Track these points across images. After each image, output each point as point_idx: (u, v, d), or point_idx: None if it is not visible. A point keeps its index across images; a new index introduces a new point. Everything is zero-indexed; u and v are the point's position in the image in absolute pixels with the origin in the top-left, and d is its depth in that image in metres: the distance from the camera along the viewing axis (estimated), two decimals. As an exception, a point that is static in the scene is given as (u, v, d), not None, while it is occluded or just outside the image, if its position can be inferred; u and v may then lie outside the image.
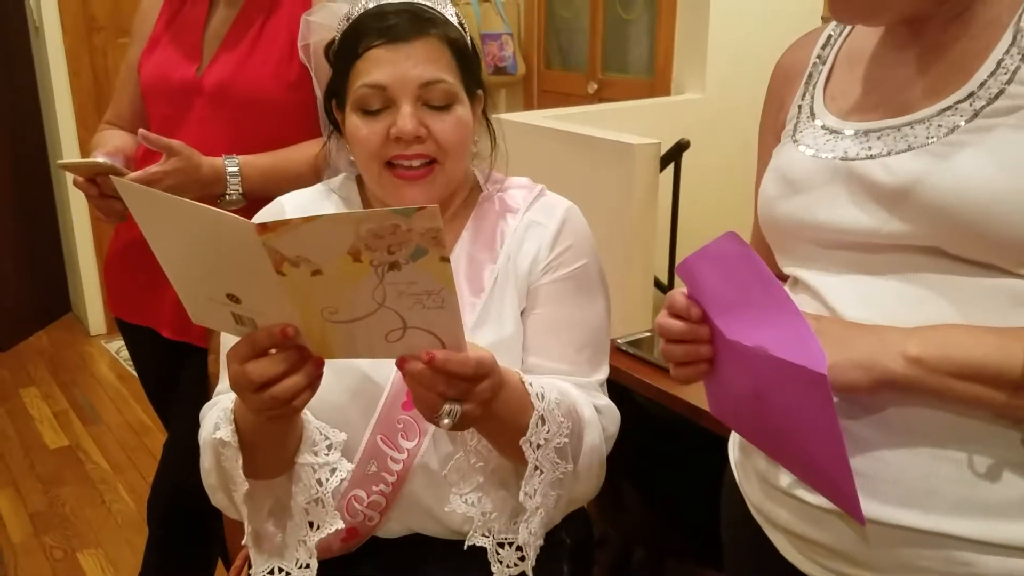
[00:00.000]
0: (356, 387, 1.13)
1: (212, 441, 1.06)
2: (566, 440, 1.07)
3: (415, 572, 1.20)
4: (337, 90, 1.17)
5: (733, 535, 1.09)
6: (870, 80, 0.94)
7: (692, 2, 2.83)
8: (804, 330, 0.78)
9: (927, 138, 0.83)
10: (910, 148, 0.84)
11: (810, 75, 1.00)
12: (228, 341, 1.15)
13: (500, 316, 1.17)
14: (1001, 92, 0.81)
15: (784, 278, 0.99)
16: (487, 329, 1.15)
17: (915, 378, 0.79)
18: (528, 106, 4.10)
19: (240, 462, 1.02)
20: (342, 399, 1.12)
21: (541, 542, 1.10)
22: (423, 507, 1.16)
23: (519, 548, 1.10)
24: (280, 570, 1.11)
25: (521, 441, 1.03)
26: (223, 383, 1.20)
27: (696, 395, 1.47)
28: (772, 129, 1.05)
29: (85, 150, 3.70)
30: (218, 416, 1.06)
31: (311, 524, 1.08)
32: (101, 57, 3.82)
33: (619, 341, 1.70)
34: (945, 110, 0.84)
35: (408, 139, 1.10)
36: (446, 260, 0.80)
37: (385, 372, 1.13)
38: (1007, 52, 0.82)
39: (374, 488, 1.15)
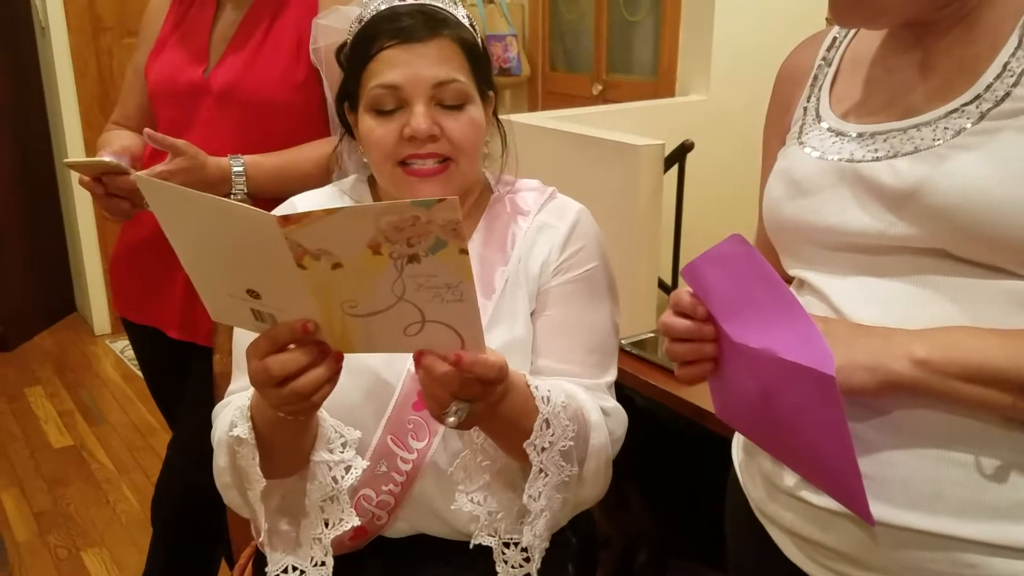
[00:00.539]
0: (368, 387, 1.13)
1: (228, 439, 1.07)
2: (571, 443, 1.07)
3: (421, 571, 1.20)
4: (350, 92, 1.17)
5: (737, 537, 1.09)
6: (876, 82, 0.94)
7: (697, 4, 2.83)
8: (811, 331, 0.78)
9: (933, 140, 0.83)
10: (916, 150, 0.84)
11: (815, 77, 1.00)
12: (241, 339, 1.15)
13: (511, 317, 1.17)
14: (1007, 95, 0.81)
15: (789, 280, 0.99)
16: (498, 331, 1.15)
17: (921, 380, 0.79)
18: (532, 107, 4.10)
19: (257, 460, 1.03)
20: (354, 399, 1.12)
21: (546, 544, 1.10)
22: (431, 508, 1.17)
23: (524, 549, 1.10)
24: (295, 568, 1.11)
25: (525, 444, 1.04)
26: (236, 383, 1.20)
27: (700, 396, 1.47)
28: (777, 132, 1.05)
29: (91, 150, 3.71)
30: (233, 414, 1.07)
31: (326, 522, 1.08)
32: (107, 57, 3.83)
33: (623, 342, 1.70)
34: (951, 113, 0.84)
35: (422, 138, 1.10)
36: (465, 252, 0.80)
37: (397, 372, 1.13)
38: (1013, 55, 0.82)
39: (383, 488, 1.15)
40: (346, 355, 0.94)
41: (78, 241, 4.00)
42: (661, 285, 1.88)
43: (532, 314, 1.19)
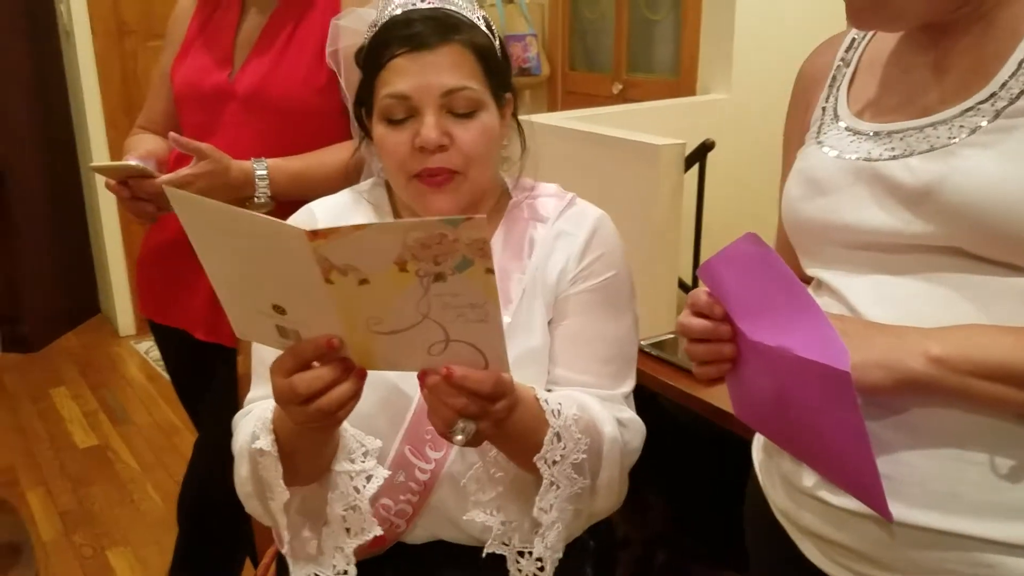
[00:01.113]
0: (386, 397, 1.13)
1: (250, 451, 1.07)
2: (584, 456, 1.06)
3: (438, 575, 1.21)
4: (364, 99, 1.18)
5: (756, 537, 1.09)
6: (892, 82, 0.94)
7: (718, 2, 2.82)
8: (827, 329, 0.79)
9: (949, 139, 0.83)
10: (932, 149, 0.84)
11: (834, 78, 1.01)
12: (261, 347, 1.16)
13: (528, 327, 1.17)
14: (1023, 93, 0.80)
15: (808, 281, 0.99)
16: (515, 340, 1.15)
17: (937, 378, 0.79)
18: (552, 107, 4.10)
19: (280, 471, 1.03)
20: (372, 409, 1.12)
21: (559, 555, 1.09)
22: (448, 516, 1.17)
23: (539, 558, 1.09)
24: None
25: (536, 458, 1.03)
26: (255, 390, 1.20)
27: (720, 397, 1.46)
28: (797, 132, 1.05)
29: (115, 152, 3.75)
30: (255, 425, 1.07)
31: (348, 531, 1.08)
32: (131, 61, 3.86)
33: (642, 343, 1.70)
34: (967, 111, 0.84)
35: (431, 148, 1.10)
36: (491, 272, 0.81)
37: (414, 383, 1.13)
38: None
39: (401, 497, 1.16)
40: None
41: (103, 243, 4.05)
42: (681, 285, 1.88)
43: (549, 323, 1.19)
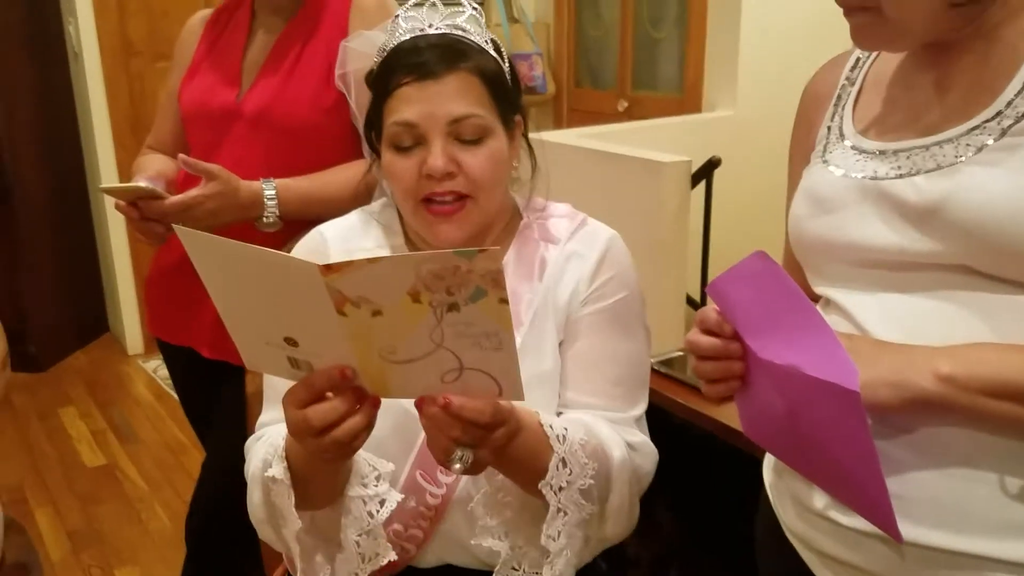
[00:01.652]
0: (397, 422, 1.12)
1: (262, 478, 1.07)
2: (591, 481, 1.06)
3: None
4: (374, 123, 1.18)
5: (767, 557, 1.08)
6: (898, 101, 0.94)
7: (722, 19, 2.83)
8: (835, 347, 0.79)
9: (955, 157, 0.84)
10: (938, 167, 0.84)
11: (839, 97, 1.01)
12: (272, 379, 1.16)
13: (539, 350, 1.16)
14: None
15: (816, 299, 0.99)
16: (526, 363, 1.13)
17: (946, 396, 0.79)
18: (558, 125, 4.11)
19: (292, 500, 1.03)
20: (383, 433, 1.10)
21: None
22: (459, 541, 1.16)
23: None
24: None
25: (541, 484, 1.03)
26: (266, 414, 1.20)
27: (729, 415, 1.46)
28: (802, 151, 1.05)
29: (123, 172, 3.78)
30: (267, 451, 1.07)
31: (362, 556, 1.07)
32: (139, 81, 3.89)
33: (651, 360, 1.70)
34: (973, 129, 0.84)
35: (439, 176, 1.10)
36: (505, 302, 0.81)
37: None
38: None
39: (412, 522, 1.15)
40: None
41: (111, 262, 4.06)
42: (689, 302, 1.88)
43: (560, 344, 1.18)
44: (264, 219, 1.55)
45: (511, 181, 1.23)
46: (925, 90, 0.91)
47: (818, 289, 0.98)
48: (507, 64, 1.18)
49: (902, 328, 0.85)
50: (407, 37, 1.14)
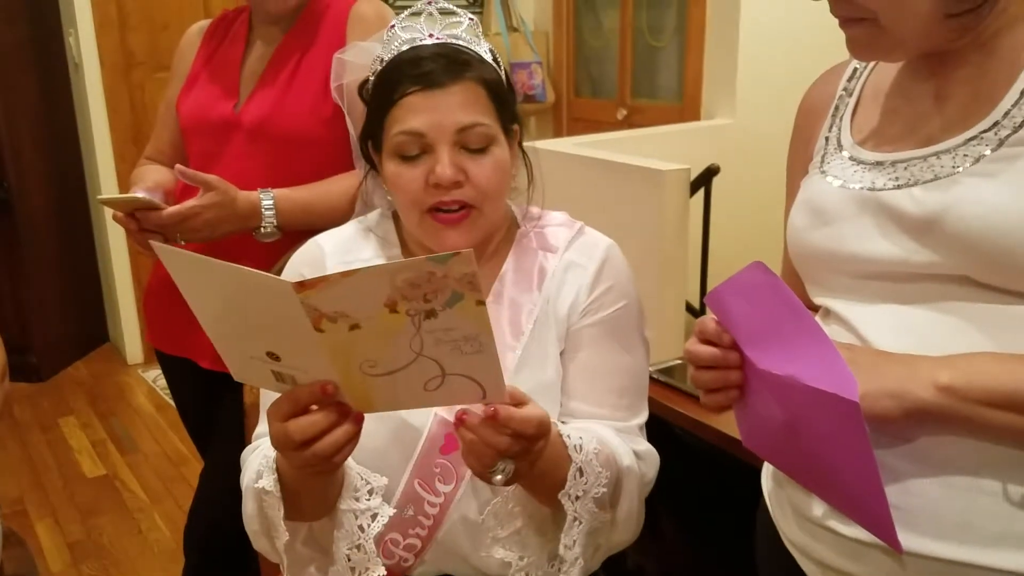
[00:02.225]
0: (395, 431, 1.12)
1: (255, 489, 1.07)
2: (605, 490, 1.06)
3: None
4: (373, 134, 1.18)
5: (767, 567, 1.08)
6: (895, 111, 0.94)
7: (721, 28, 2.84)
8: (835, 358, 0.78)
9: (953, 168, 0.84)
10: (936, 178, 0.84)
11: (836, 108, 1.01)
12: (267, 393, 1.16)
13: (541, 360, 1.16)
14: None
15: (815, 309, 0.98)
16: (527, 374, 1.15)
17: (947, 407, 0.79)
18: (558, 134, 4.12)
19: (282, 511, 1.03)
20: (381, 443, 1.11)
21: None
22: (458, 552, 1.16)
23: None
24: None
25: (560, 494, 1.03)
26: (262, 425, 1.20)
27: (728, 424, 1.46)
28: (800, 162, 1.05)
29: (123, 183, 3.78)
30: (260, 463, 1.07)
31: (352, 570, 1.08)
32: (139, 92, 3.89)
33: (651, 369, 1.69)
34: (971, 140, 0.84)
35: (447, 185, 1.10)
36: (482, 304, 0.80)
37: (423, 416, 1.13)
38: None
39: (410, 531, 1.15)
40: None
41: (111, 272, 4.06)
42: (689, 310, 1.88)
43: (562, 354, 1.18)
44: (262, 229, 1.55)
45: (509, 191, 1.23)
46: (923, 101, 0.91)
47: (817, 300, 0.98)
48: (504, 73, 1.19)
49: (902, 339, 0.85)
50: (406, 48, 1.14)
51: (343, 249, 1.24)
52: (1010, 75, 0.84)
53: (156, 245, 0.89)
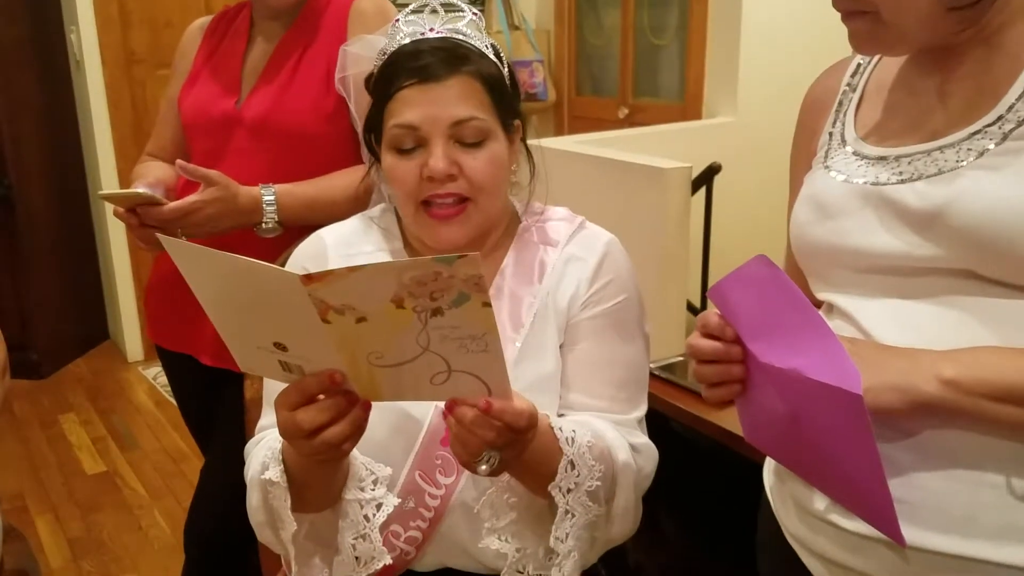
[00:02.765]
0: (396, 423, 1.13)
1: (260, 481, 1.07)
2: (598, 483, 1.06)
3: None
4: (374, 126, 1.18)
5: (770, 562, 1.08)
6: (899, 106, 0.94)
7: (723, 26, 2.84)
8: (838, 351, 0.78)
9: (957, 162, 0.83)
10: (940, 172, 0.84)
11: (840, 103, 1.01)
12: (273, 380, 1.16)
13: (541, 352, 1.17)
14: None
15: (818, 304, 0.98)
16: (527, 366, 1.15)
17: (950, 400, 0.79)
18: (559, 132, 4.12)
19: (288, 502, 1.04)
20: (382, 435, 1.12)
21: None
22: (459, 543, 1.16)
23: None
24: None
25: (550, 487, 1.03)
26: (265, 418, 1.20)
27: (730, 420, 1.46)
28: (803, 157, 1.05)
29: (124, 180, 3.78)
30: (265, 455, 1.08)
31: (358, 560, 1.08)
32: (140, 89, 3.89)
33: (652, 365, 1.70)
34: (974, 134, 0.84)
35: (440, 178, 1.11)
36: (488, 305, 0.81)
37: (424, 408, 1.13)
38: None
39: (411, 523, 1.15)
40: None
41: (112, 270, 4.06)
42: (690, 308, 1.88)
43: (561, 347, 1.18)
44: (264, 225, 1.55)
45: (510, 186, 1.24)
46: (926, 95, 0.91)
47: (821, 295, 0.98)
48: (507, 69, 1.19)
49: (906, 333, 0.85)
50: (407, 41, 1.14)
51: (345, 242, 1.24)
52: (1014, 69, 0.84)
53: (163, 238, 0.89)
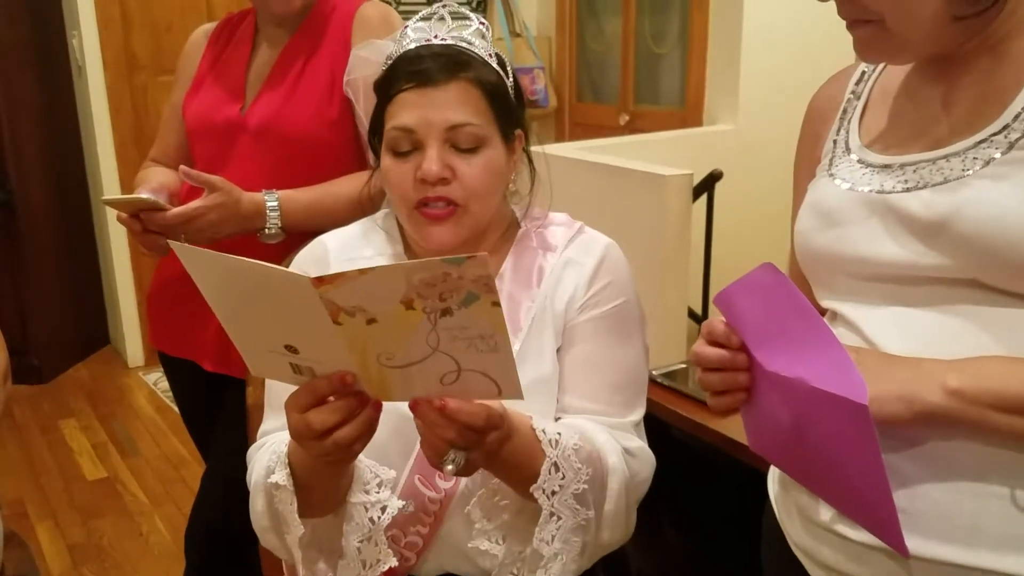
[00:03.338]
0: (395, 427, 1.12)
1: (265, 485, 1.08)
2: (585, 487, 1.06)
3: None
4: (377, 130, 1.20)
5: (773, 571, 1.08)
6: (904, 114, 0.94)
7: (724, 34, 2.84)
8: (844, 360, 0.78)
9: (963, 171, 0.83)
10: (946, 181, 0.84)
11: (844, 111, 1.01)
12: (275, 383, 1.16)
13: (538, 356, 1.17)
14: None
15: (823, 312, 0.98)
16: (525, 368, 1.14)
17: (955, 410, 0.79)
18: (560, 139, 4.13)
19: (295, 505, 1.04)
20: (382, 438, 1.11)
21: None
22: (459, 548, 1.16)
23: None
24: None
25: (532, 488, 1.03)
26: (267, 422, 1.21)
27: (733, 428, 1.46)
28: (807, 165, 1.05)
29: (125, 185, 3.78)
30: (270, 459, 1.08)
31: (363, 563, 1.08)
32: (141, 94, 3.90)
33: (654, 373, 1.70)
34: (980, 143, 0.84)
35: (432, 181, 1.11)
36: (497, 305, 0.81)
37: None
38: None
39: (411, 528, 1.15)
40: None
41: (112, 275, 4.06)
42: (691, 315, 1.88)
43: (558, 350, 1.19)
44: (266, 231, 1.55)
45: (510, 194, 1.24)
46: (932, 104, 0.91)
47: (825, 303, 0.98)
48: (511, 79, 1.19)
49: (911, 342, 0.85)
50: (412, 47, 1.16)
51: (346, 247, 1.25)
52: (1019, 79, 0.84)
53: (174, 244, 0.90)
